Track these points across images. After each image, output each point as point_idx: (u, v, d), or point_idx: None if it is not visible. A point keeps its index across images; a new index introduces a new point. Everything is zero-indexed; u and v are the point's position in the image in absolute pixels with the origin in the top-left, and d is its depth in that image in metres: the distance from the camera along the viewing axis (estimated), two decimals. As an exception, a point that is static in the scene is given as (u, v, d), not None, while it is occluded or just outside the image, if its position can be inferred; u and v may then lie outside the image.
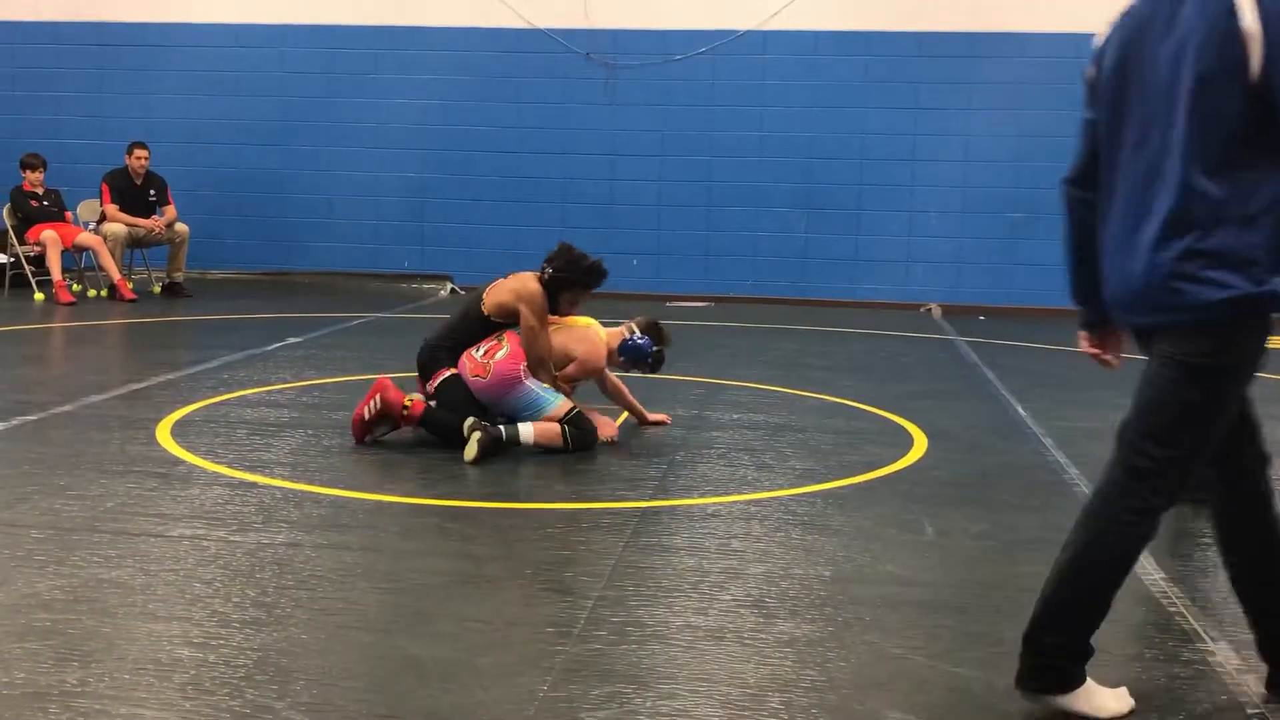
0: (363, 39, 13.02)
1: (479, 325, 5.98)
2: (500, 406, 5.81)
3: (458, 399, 5.78)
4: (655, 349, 6.25)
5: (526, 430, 5.68)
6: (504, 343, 5.88)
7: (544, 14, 12.80)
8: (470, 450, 5.46)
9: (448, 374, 5.87)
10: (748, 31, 12.51)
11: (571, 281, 6.05)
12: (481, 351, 5.87)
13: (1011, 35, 12.23)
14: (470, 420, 5.62)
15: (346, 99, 13.09)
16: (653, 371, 6.35)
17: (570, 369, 6.09)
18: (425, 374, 5.98)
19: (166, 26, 13.29)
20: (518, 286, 5.97)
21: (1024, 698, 3.05)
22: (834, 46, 12.49)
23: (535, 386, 5.83)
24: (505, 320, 5.95)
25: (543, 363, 5.90)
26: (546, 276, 6.01)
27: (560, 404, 5.81)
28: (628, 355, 6.20)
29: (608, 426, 6.03)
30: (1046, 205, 12.21)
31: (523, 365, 5.83)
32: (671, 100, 12.73)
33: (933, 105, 12.38)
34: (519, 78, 12.89)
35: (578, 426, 5.77)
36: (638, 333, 6.24)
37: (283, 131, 13.23)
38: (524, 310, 5.87)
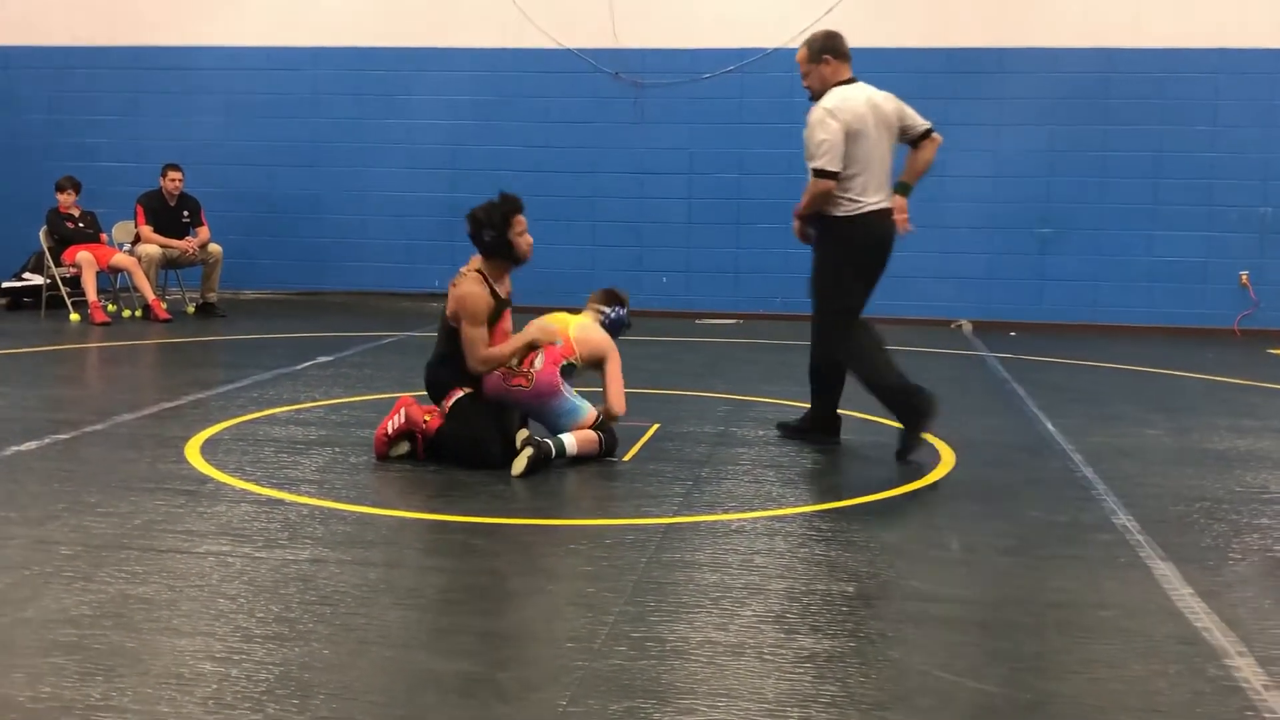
0: (394, 60, 13.13)
1: (452, 332, 5.90)
2: (540, 414, 5.92)
3: (472, 417, 5.81)
4: (627, 313, 6.42)
5: (570, 441, 5.76)
6: (538, 352, 5.93)
7: (573, 34, 12.87)
8: (519, 465, 5.52)
9: (460, 395, 5.88)
10: (775, 49, 12.53)
11: (503, 224, 5.88)
12: (517, 361, 5.91)
13: (1039, 50, 12.20)
14: (525, 433, 5.68)
15: (378, 120, 13.20)
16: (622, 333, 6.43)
17: (612, 368, 6.08)
18: (436, 394, 5.97)
19: (200, 50, 13.45)
20: (455, 294, 5.86)
21: None
22: (861, 63, 12.40)
23: (570, 394, 5.90)
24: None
25: (488, 360, 5.84)
26: (488, 242, 5.90)
27: (590, 410, 5.92)
28: (614, 331, 6.31)
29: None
30: (1076, 220, 12.21)
31: (559, 371, 5.89)
32: (700, 119, 12.76)
33: (961, 121, 12.32)
34: (549, 97, 12.96)
35: (607, 431, 5.90)
36: (608, 309, 6.34)
37: (314, 152, 13.35)
38: (463, 323, 5.80)
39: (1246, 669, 3.41)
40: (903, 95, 12.35)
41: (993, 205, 12.37)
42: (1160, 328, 12.06)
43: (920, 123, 6.37)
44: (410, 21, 13.09)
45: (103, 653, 3.38)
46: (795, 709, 3.10)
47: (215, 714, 3.01)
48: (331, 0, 13.24)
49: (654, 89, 12.78)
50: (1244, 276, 12.07)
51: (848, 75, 6.25)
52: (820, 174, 6.05)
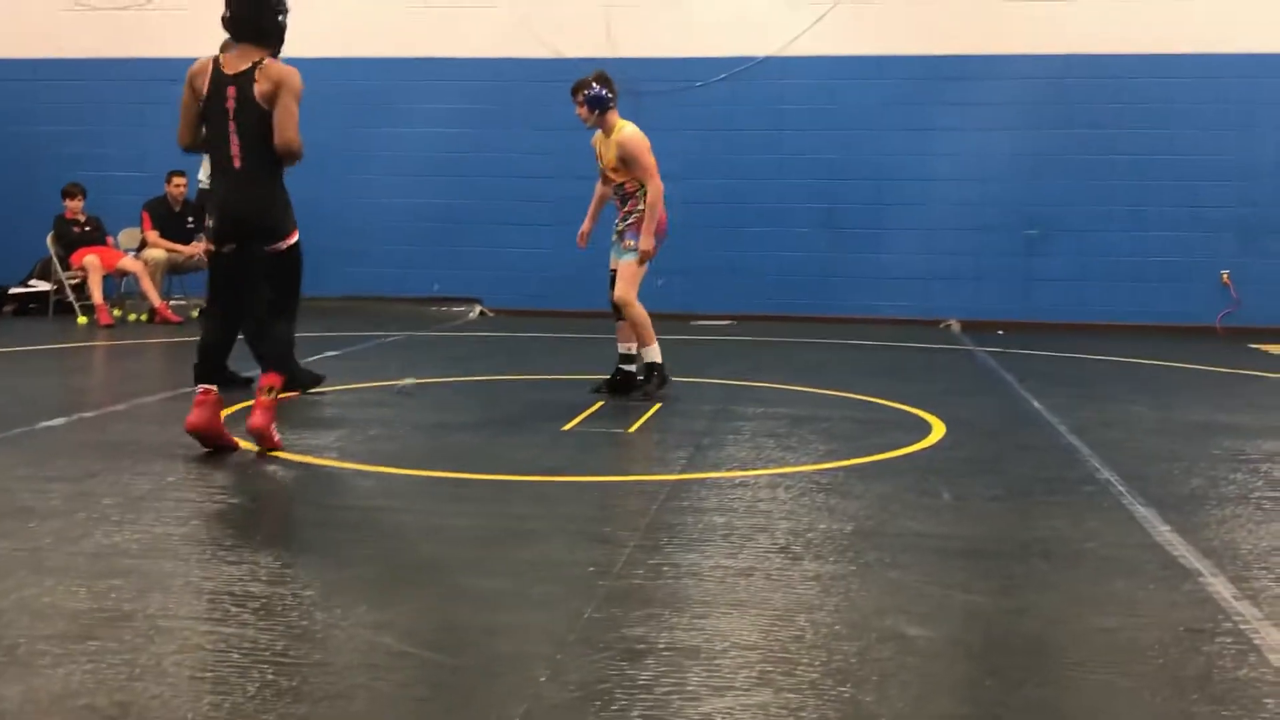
0: (392, 69, 13.41)
1: (263, 120, 5.44)
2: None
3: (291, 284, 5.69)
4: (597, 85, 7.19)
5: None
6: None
7: (570, 44, 13.16)
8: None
9: (296, 241, 5.59)
10: (767, 58, 12.86)
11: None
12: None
13: (1023, 57, 12.53)
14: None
15: (378, 128, 13.47)
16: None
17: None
18: (270, 233, 5.48)
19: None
20: (273, 73, 5.45)
21: None
22: (850, 71, 12.82)
23: None
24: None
25: (299, 146, 5.55)
26: (281, 23, 5.66)
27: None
28: (595, 105, 7.18)
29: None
30: (1061, 222, 12.53)
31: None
32: (694, 125, 13.04)
33: (948, 126, 12.67)
34: (547, 105, 13.23)
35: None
36: (593, 87, 7.18)
37: (314, 160, 13.35)
38: (291, 101, 5.47)
39: (1219, 585, 3.69)
40: (888, 101, 12.81)
41: (980, 208, 12.67)
42: (1144, 325, 12.35)
43: None
44: (408, 31, 13.38)
45: (157, 576, 3.63)
46: (803, 614, 3.37)
47: (266, 620, 3.26)
48: (331, 11, 13.50)
49: (649, 96, 13.06)
50: (1225, 275, 12.39)
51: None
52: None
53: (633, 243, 7.25)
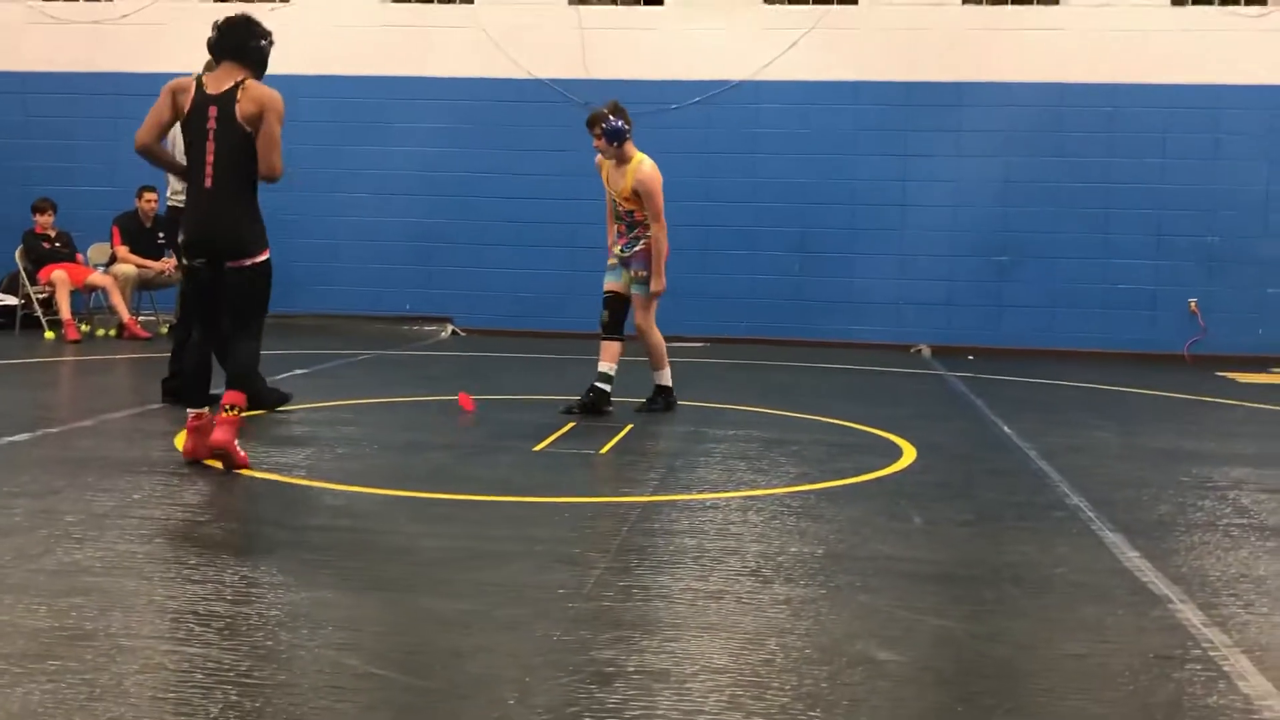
0: (369, 89, 13.38)
1: (243, 140, 5.50)
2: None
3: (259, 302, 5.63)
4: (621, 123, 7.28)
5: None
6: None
7: (544, 65, 13.19)
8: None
9: (265, 259, 5.56)
10: (741, 82, 12.90)
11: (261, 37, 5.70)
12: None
13: (996, 85, 12.62)
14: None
15: (353, 147, 13.43)
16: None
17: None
18: (239, 250, 5.49)
19: (176, 76, 13.63)
20: (255, 94, 5.50)
21: None
22: (825, 96, 12.88)
23: None
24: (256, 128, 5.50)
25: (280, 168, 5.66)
26: (265, 46, 5.69)
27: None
28: (613, 138, 7.23)
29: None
30: (1033, 248, 12.60)
31: None
32: (668, 148, 12.99)
33: (921, 152, 12.74)
34: (522, 126, 13.24)
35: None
36: (610, 119, 7.25)
37: (288, 177, 13.42)
38: (275, 125, 5.53)
39: (1188, 611, 3.69)
40: (862, 127, 12.87)
41: (951, 234, 12.73)
42: (1113, 353, 12.43)
43: None
44: (383, 50, 13.36)
45: (119, 594, 3.58)
46: (773, 638, 3.35)
47: (231, 640, 3.22)
48: (306, 28, 13.48)
49: (623, 119, 13.08)
50: (1193, 304, 12.48)
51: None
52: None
53: (644, 274, 7.39)
